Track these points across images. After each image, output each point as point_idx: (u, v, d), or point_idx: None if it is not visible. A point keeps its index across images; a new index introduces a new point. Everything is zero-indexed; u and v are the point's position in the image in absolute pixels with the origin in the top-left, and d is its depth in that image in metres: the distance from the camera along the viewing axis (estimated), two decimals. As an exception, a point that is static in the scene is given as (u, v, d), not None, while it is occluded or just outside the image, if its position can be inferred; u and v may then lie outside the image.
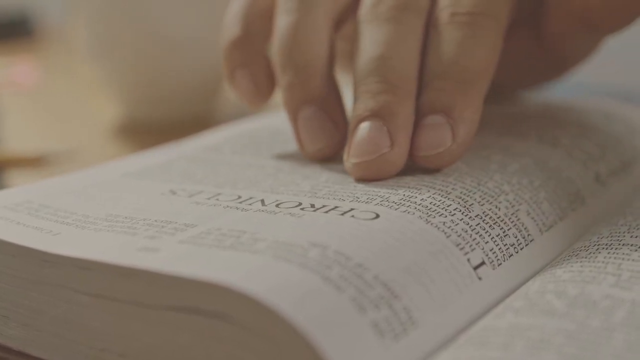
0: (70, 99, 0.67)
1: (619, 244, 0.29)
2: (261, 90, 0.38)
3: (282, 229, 0.27)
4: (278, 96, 0.37)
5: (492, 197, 0.31)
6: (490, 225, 0.29)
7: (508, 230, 0.30)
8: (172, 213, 0.30)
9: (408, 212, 0.29)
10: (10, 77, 0.75)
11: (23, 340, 0.29)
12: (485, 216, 0.30)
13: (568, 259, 0.29)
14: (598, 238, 0.30)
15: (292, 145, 0.38)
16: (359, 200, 0.30)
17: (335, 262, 0.25)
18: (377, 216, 0.28)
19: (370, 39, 0.34)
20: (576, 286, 0.27)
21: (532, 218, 0.31)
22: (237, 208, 0.30)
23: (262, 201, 0.31)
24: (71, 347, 0.28)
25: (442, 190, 0.30)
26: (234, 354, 0.24)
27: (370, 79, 0.33)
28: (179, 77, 0.56)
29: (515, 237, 0.30)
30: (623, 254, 0.29)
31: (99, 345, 0.27)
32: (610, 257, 0.28)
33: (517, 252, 0.29)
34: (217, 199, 0.31)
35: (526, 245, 0.30)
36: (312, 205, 0.30)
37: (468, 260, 0.28)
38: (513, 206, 0.31)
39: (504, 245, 0.29)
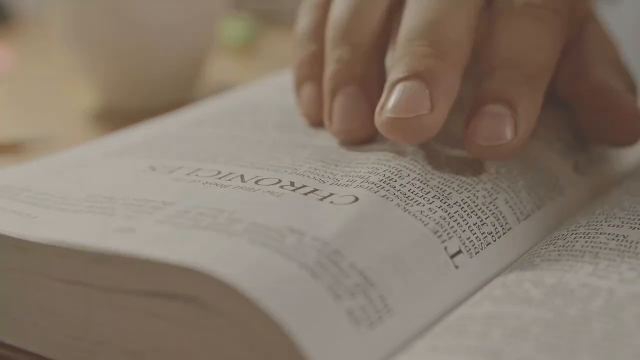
0: (47, 85, 0.67)
1: (597, 233, 0.29)
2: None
3: (260, 210, 0.27)
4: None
5: (471, 185, 0.31)
6: (468, 214, 0.29)
7: (486, 218, 0.30)
8: (151, 190, 0.30)
9: (387, 198, 0.29)
10: (-14, 64, 0.74)
11: (-3, 328, 0.29)
12: (464, 204, 0.30)
13: (546, 248, 0.29)
14: (576, 227, 0.30)
15: (274, 118, 0.37)
16: (339, 183, 0.30)
17: (311, 249, 0.25)
18: (356, 199, 0.28)
19: (422, 5, 0.33)
20: (553, 275, 0.27)
21: (510, 207, 0.31)
22: (216, 184, 0.30)
23: (242, 177, 0.30)
24: (46, 336, 0.28)
25: (421, 177, 0.30)
26: (209, 340, 0.24)
27: (419, 42, 0.32)
28: (157, 64, 0.56)
29: (493, 226, 0.30)
30: (600, 242, 0.29)
31: (74, 334, 0.27)
32: (587, 246, 0.28)
33: (494, 241, 0.29)
34: (197, 175, 0.31)
35: (504, 233, 0.30)
36: (292, 184, 0.29)
37: (445, 248, 0.28)
38: (491, 195, 0.31)
39: (482, 234, 0.29)
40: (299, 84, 0.37)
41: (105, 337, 0.26)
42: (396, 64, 0.32)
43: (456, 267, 0.27)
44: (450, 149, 0.33)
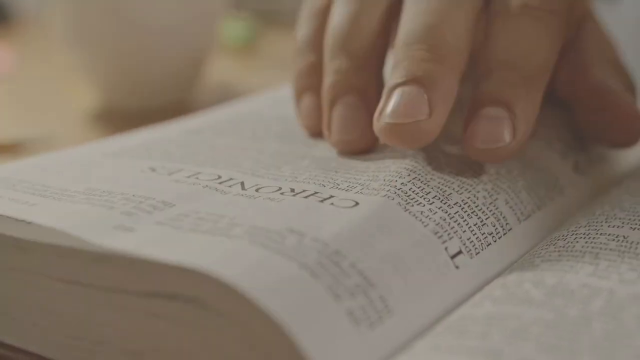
0: (47, 85, 0.67)
1: (597, 234, 0.29)
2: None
3: (261, 214, 0.27)
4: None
5: (471, 186, 0.31)
6: (468, 214, 0.29)
7: (486, 219, 0.30)
8: (150, 189, 0.30)
9: (388, 197, 0.29)
10: (-14, 64, 0.74)
11: (-3, 328, 0.29)
12: (464, 204, 0.30)
13: (546, 248, 0.29)
14: (576, 227, 0.30)
15: (273, 129, 0.38)
16: (339, 187, 0.30)
17: (312, 250, 0.25)
18: (357, 204, 0.28)
19: (419, 9, 0.33)
20: (554, 275, 0.27)
21: (511, 207, 0.31)
22: (216, 189, 0.30)
23: (242, 184, 0.30)
24: (46, 336, 0.28)
25: (421, 178, 0.30)
26: (209, 340, 0.24)
27: (417, 46, 0.32)
28: (157, 64, 0.56)
29: (494, 226, 0.30)
30: (601, 243, 0.29)
31: (74, 334, 0.27)
32: (588, 247, 0.28)
33: (495, 241, 0.29)
34: (197, 178, 0.31)
35: (504, 234, 0.30)
36: (292, 190, 0.29)
37: (445, 249, 0.28)
38: (491, 195, 0.31)
39: (482, 234, 0.29)
40: (298, 95, 0.37)
41: (105, 337, 0.26)
42: (394, 68, 0.32)
43: (456, 267, 0.27)
44: (451, 150, 0.33)
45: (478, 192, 0.31)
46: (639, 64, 0.43)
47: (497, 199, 0.31)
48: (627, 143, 0.36)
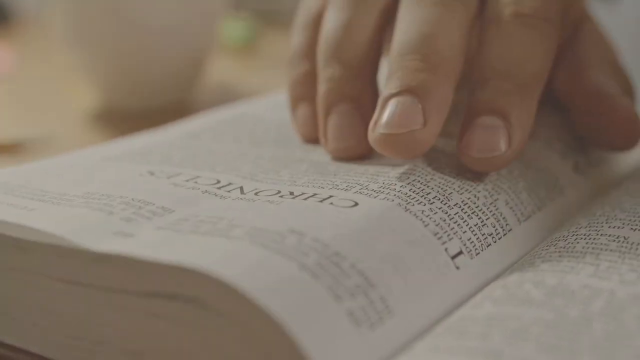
0: (47, 85, 0.67)
1: (597, 234, 0.29)
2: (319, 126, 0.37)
3: (260, 216, 0.27)
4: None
5: (471, 186, 0.31)
6: (468, 215, 0.29)
7: (486, 219, 0.30)
8: (149, 193, 0.30)
9: (387, 199, 0.29)
10: (-14, 64, 0.74)
11: (-3, 329, 0.29)
12: (464, 205, 0.30)
13: (546, 249, 0.29)
14: (576, 228, 0.30)
15: (271, 134, 0.38)
16: (338, 188, 0.30)
17: (312, 250, 0.25)
18: (356, 204, 0.28)
19: (414, 18, 0.33)
20: (554, 276, 0.27)
21: (511, 208, 0.31)
22: (215, 194, 0.30)
23: (241, 188, 0.30)
24: (46, 336, 0.28)
25: (421, 178, 0.30)
26: (209, 340, 0.24)
27: (410, 56, 0.32)
28: (157, 64, 0.56)
29: (494, 227, 0.30)
30: (601, 244, 0.29)
31: (74, 334, 0.27)
32: (588, 247, 0.28)
33: (495, 242, 0.29)
34: (196, 182, 0.31)
35: (504, 235, 0.30)
36: (291, 193, 0.29)
37: (446, 249, 0.28)
38: (492, 196, 0.31)
39: (482, 235, 0.29)
40: (293, 105, 0.37)
41: (105, 337, 0.26)
42: (389, 79, 0.32)
43: (457, 268, 0.27)
44: (451, 150, 0.33)
45: (478, 192, 0.31)
46: (639, 64, 0.43)
47: (497, 199, 0.31)
48: (625, 147, 0.36)
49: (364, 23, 0.35)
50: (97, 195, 0.29)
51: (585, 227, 0.30)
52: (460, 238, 0.28)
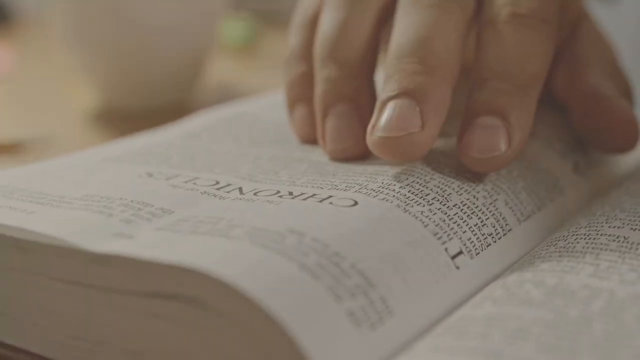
0: (47, 85, 0.67)
1: (597, 234, 0.29)
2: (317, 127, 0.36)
3: (260, 216, 0.27)
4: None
5: (471, 186, 0.31)
6: (468, 215, 0.29)
7: (486, 219, 0.30)
8: (148, 194, 0.30)
9: (386, 200, 0.29)
10: (-14, 64, 0.74)
11: (-3, 328, 0.29)
12: (464, 206, 0.30)
13: (546, 249, 0.29)
14: (576, 228, 0.30)
15: (270, 134, 0.38)
16: (337, 187, 0.30)
17: (312, 250, 0.25)
18: (356, 203, 0.28)
19: (411, 21, 0.33)
20: (554, 276, 0.27)
21: (510, 208, 0.31)
22: (214, 195, 0.30)
23: (240, 189, 0.30)
24: (46, 336, 0.28)
25: (420, 179, 0.30)
26: (209, 340, 0.24)
27: (407, 59, 0.32)
28: (157, 64, 0.56)
29: (493, 227, 0.30)
30: (601, 244, 0.29)
31: (74, 334, 0.27)
32: (588, 247, 0.28)
33: (495, 242, 0.29)
34: (195, 183, 0.31)
35: (504, 235, 0.30)
36: (290, 193, 0.29)
37: (446, 249, 0.28)
38: (491, 196, 0.31)
39: (482, 235, 0.29)
40: (291, 106, 0.37)
41: (105, 337, 0.26)
42: (386, 82, 0.32)
43: (457, 268, 0.27)
44: (450, 151, 0.33)
45: (478, 192, 0.31)
46: (639, 65, 0.43)
47: (496, 199, 0.31)
48: (623, 149, 0.36)
49: (360, 22, 0.35)
50: (96, 198, 0.29)
51: (585, 227, 0.30)
52: (460, 238, 0.28)
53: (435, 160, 0.32)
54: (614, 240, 0.29)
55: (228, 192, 0.30)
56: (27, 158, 0.47)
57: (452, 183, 0.31)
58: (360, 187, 0.30)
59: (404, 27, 0.33)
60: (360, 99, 0.34)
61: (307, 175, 0.31)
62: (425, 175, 0.31)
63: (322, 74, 0.35)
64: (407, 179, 0.30)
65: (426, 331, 0.25)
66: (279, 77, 0.41)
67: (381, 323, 0.24)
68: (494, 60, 0.32)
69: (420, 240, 0.27)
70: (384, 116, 0.31)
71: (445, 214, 0.29)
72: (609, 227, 0.30)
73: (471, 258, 0.28)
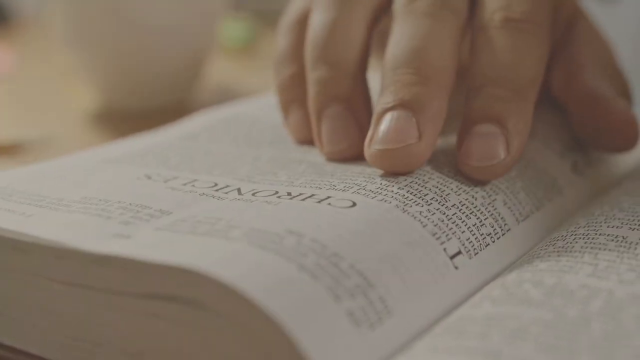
0: (47, 85, 0.67)
1: (596, 234, 0.29)
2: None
3: (258, 217, 0.27)
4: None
5: (469, 187, 0.31)
6: (466, 215, 0.29)
7: (484, 219, 0.30)
8: (147, 197, 0.30)
9: (385, 201, 0.29)
10: (-15, 64, 0.74)
11: (-4, 329, 0.29)
12: (462, 206, 0.30)
13: (545, 249, 0.29)
14: (575, 228, 0.30)
15: (270, 134, 0.38)
16: (335, 188, 0.30)
17: (310, 251, 0.25)
18: (354, 204, 0.28)
19: (405, 32, 0.33)
20: (553, 275, 0.27)
21: (509, 208, 0.31)
22: (213, 196, 0.30)
23: (239, 190, 0.30)
24: (46, 337, 0.28)
25: (419, 180, 0.30)
26: (208, 341, 0.24)
27: (403, 70, 0.32)
28: (157, 64, 0.56)
29: (492, 227, 0.30)
30: (600, 243, 0.29)
31: (74, 335, 0.27)
32: (587, 247, 0.28)
33: (493, 242, 0.29)
34: (193, 185, 0.31)
35: (503, 234, 0.30)
36: (289, 194, 0.29)
37: (444, 249, 0.28)
38: (490, 196, 0.31)
39: (481, 235, 0.29)
40: (285, 109, 0.37)
41: (105, 338, 0.26)
42: (382, 93, 0.32)
43: (456, 268, 0.28)
44: (448, 151, 0.33)
45: (476, 193, 0.31)
46: (638, 65, 0.43)
47: (495, 199, 0.31)
48: (622, 149, 0.36)
49: (350, 22, 0.35)
50: (94, 200, 0.29)
51: (584, 226, 0.30)
52: (459, 238, 0.28)
53: (433, 161, 0.32)
54: (613, 240, 0.29)
55: (226, 192, 0.30)
56: (26, 158, 0.47)
57: (451, 183, 0.31)
58: (358, 188, 0.30)
59: (398, 38, 0.33)
60: (353, 99, 0.34)
61: (305, 176, 0.31)
62: (424, 176, 0.31)
63: (314, 76, 0.35)
64: (406, 179, 0.30)
65: (425, 331, 0.25)
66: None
67: (380, 323, 0.24)
68: (489, 66, 0.32)
69: (418, 240, 0.27)
70: (380, 128, 0.31)
71: (444, 214, 0.29)
72: (608, 226, 0.30)
73: (470, 258, 0.28)
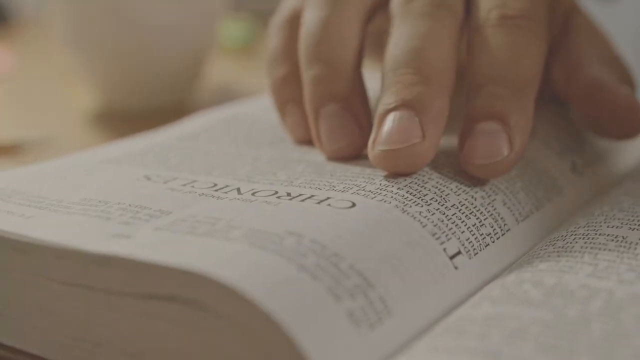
0: (46, 86, 0.67)
1: (596, 234, 0.29)
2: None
3: (258, 217, 0.27)
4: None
5: (468, 187, 0.31)
6: (466, 215, 0.29)
7: (484, 220, 0.30)
8: (146, 198, 0.30)
9: (384, 201, 0.29)
10: (-15, 64, 0.74)
11: (-4, 329, 0.29)
12: (462, 206, 0.30)
13: (545, 249, 0.29)
14: (575, 228, 0.30)
15: (269, 134, 0.38)
16: (335, 189, 0.30)
17: (310, 251, 0.25)
18: (354, 205, 0.28)
19: (404, 32, 0.33)
20: (553, 276, 0.27)
21: (508, 208, 0.31)
22: (212, 196, 0.30)
23: (238, 189, 0.30)
24: (46, 337, 0.28)
25: (418, 180, 0.30)
26: (208, 341, 0.24)
27: (403, 70, 0.32)
28: (157, 64, 0.56)
29: (492, 227, 0.30)
30: (600, 243, 0.29)
31: (74, 334, 0.27)
32: (587, 247, 0.28)
33: (493, 242, 0.29)
34: (193, 186, 0.31)
35: (502, 235, 0.30)
36: (289, 194, 0.29)
37: (444, 249, 0.28)
38: (489, 196, 0.31)
39: (480, 235, 0.29)
40: (281, 109, 0.37)
41: (105, 338, 0.26)
42: (383, 94, 0.32)
43: (456, 268, 0.28)
44: (448, 151, 0.33)
45: (476, 193, 0.31)
46: (638, 64, 0.43)
47: (494, 199, 0.31)
48: (629, 135, 0.36)
49: (343, 20, 0.35)
50: (94, 202, 0.29)
51: (584, 226, 0.30)
52: (459, 238, 0.28)
53: (433, 161, 0.32)
54: (613, 240, 0.29)
55: (226, 192, 0.30)
56: (26, 159, 0.47)
57: (450, 183, 0.31)
58: (358, 188, 0.30)
59: (397, 38, 0.33)
60: (350, 97, 0.34)
61: (305, 176, 0.31)
62: (423, 176, 0.31)
63: (308, 75, 0.34)
64: (405, 179, 0.30)
65: (425, 331, 0.25)
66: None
67: (380, 323, 0.24)
68: (488, 65, 0.32)
69: (418, 240, 0.27)
70: (384, 129, 0.31)
71: (444, 214, 0.29)
72: (608, 226, 0.30)
73: (469, 258, 0.28)
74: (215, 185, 0.31)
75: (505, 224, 0.30)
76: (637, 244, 0.28)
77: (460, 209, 0.29)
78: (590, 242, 0.29)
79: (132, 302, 0.25)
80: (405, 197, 0.29)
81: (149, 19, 0.55)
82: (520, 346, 0.23)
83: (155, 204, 0.29)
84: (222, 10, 0.59)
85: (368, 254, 0.26)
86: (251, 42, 0.77)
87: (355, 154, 0.33)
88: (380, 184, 0.30)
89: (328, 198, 0.29)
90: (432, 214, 0.29)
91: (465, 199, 0.30)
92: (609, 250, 0.28)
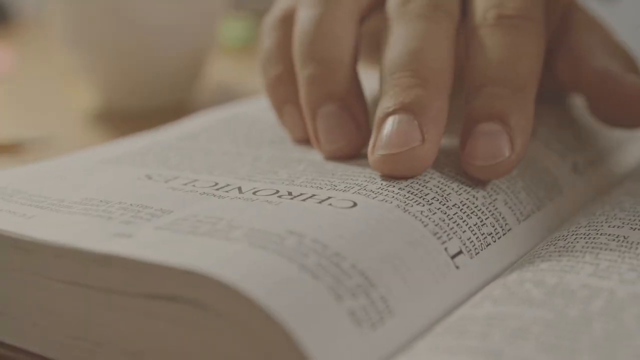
0: (47, 85, 0.67)
1: (597, 234, 0.29)
2: None
3: (259, 217, 0.27)
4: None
5: (470, 186, 0.31)
6: (467, 215, 0.29)
7: (485, 219, 0.30)
8: (147, 197, 0.30)
9: (386, 201, 0.29)
10: (-15, 64, 0.74)
11: (-3, 328, 0.29)
12: (463, 205, 0.30)
13: (546, 248, 0.29)
14: (576, 227, 0.30)
15: (269, 134, 0.38)
16: (336, 188, 0.30)
17: (311, 251, 0.25)
18: (355, 204, 0.28)
19: (400, 34, 0.33)
20: (554, 275, 0.27)
21: (510, 207, 0.31)
22: (213, 195, 0.30)
23: (239, 189, 0.30)
24: (46, 336, 0.28)
25: (419, 179, 0.30)
26: (209, 341, 0.24)
27: (401, 73, 0.31)
28: (157, 64, 0.56)
29: (493, 227, 0.30)
30: (601, 243, 0.29)
31: (74, 334, 0.27)
32: (588, 247, 0.28)
33: (494, 242, 0.29)
34: (194, 185, 0.31)
35: (504, 234, 0.30)
36: (290, 193, 0.29)
37: (445, 249, 0.28)
38: (490, 195, 0.31)
39: (482, 235, 0.29)
40: (278, 109, 0.37)
41: (105, 338, 0.26)
42: (382, 98, 0.32)
43: (457, 267, 0.27)
44: (448, 151, 0.33)
45: (477, 192, 0.31)
46: (638, 64, 0.43)
47: (496, 199, 0.31)
48: (637, 124, 0.36)
49: (337, 19, 0.35)
50: (95, 202, 0.29)
51: (585, 226, 0.30)
52: (460, 238, 0.28)
53: (435, 159, 0.32)
54: (614, 240, 0.29)
55: (227, 191, 0.30)
56: (26, 158, 0.47)
57: (452, 183, 0.31)
58: (359, 188, 0.29)
59: (394, 41, 0.33)
60: (347, 96, 0.34)
61: (306, 175, 0.31)
62: (424, 176, 0.31)
63: (304, 74, 0.34)
64: (407, 179, 0.30)
65: (426, 331, 0.25)
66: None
67: (382, 323, 0.24)
68: (486, 65, 0.32)
69: (420, 240, 0.27)
70: (383, 133, 0.30)
71: (445, 213, 0.29)
72: (609, 226, 0.30)
73: (471, 258, 0.28)
74: (217, 184, 0.31)
75: (506, 224, 0.30)
76: (638, 243, 0.28)
77: (462, 209, 0.29)
78: (592, 242, 0.29)
79: (132, 302, 0.25)
80: (407, 196, 0.29)
81: (149, 19, 0.55)
82: (522, 346, 0.23)
83: (157, 203, 0.29)
84: (222, 9, 0.59)
85: (369, 253, 0.26)
86: (251, 41, 0.77)
87: (353, 154, 0.33)
88: (382, 184, 0.30)
89: (329, 197, 0.29)
90: (434, 214, 0.29)
91: (467, 199, 0.30)
92: (610, 250, 0.28)
